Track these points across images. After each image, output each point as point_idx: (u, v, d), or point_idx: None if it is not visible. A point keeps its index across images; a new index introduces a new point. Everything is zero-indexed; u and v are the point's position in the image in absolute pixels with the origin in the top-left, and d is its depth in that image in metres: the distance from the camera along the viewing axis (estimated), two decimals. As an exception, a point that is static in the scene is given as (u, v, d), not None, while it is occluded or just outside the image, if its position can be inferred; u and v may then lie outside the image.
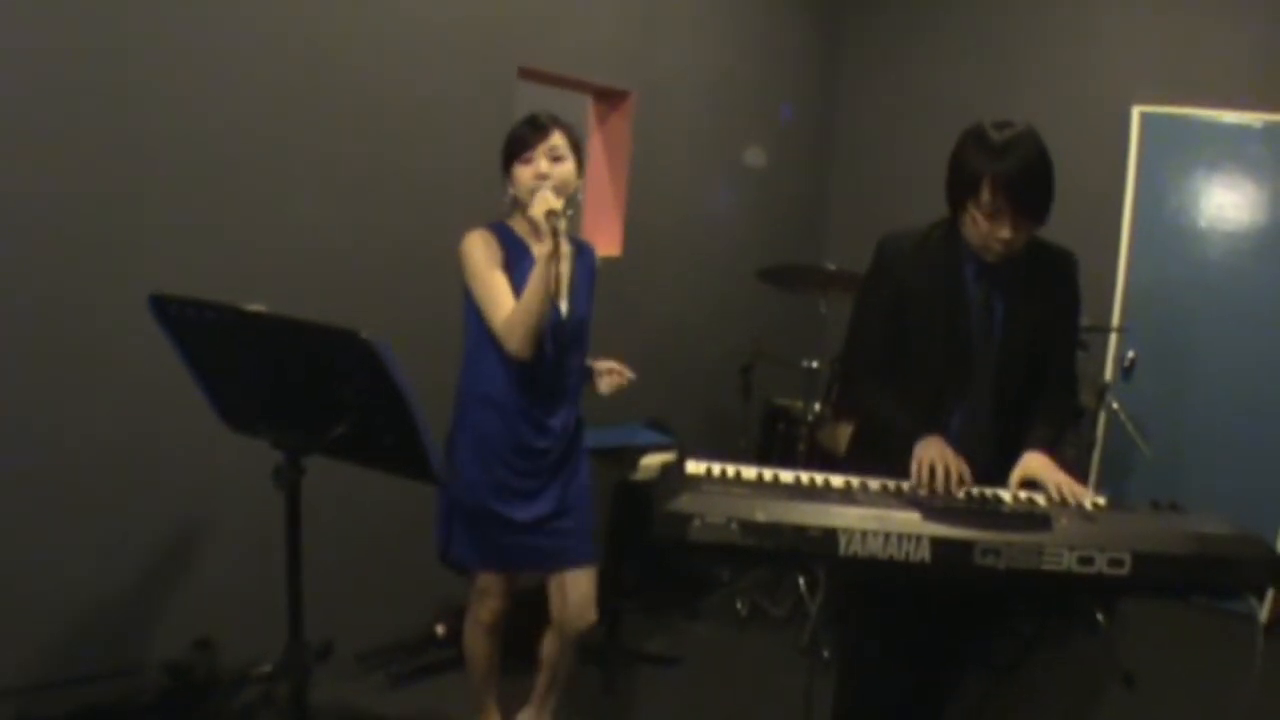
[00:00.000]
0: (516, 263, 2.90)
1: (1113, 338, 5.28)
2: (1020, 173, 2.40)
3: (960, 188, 2.50)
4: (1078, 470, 4.79)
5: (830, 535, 2.17)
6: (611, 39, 4.69)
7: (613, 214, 4.93)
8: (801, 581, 4.61)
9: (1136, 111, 5.29)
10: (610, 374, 3.08)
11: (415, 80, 3.84)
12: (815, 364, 4.69)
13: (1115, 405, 4.76)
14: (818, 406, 4.73)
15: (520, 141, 2.87)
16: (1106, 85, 5.38)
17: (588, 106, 4.93)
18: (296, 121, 3.50)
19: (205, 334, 2.29)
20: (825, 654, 4.13)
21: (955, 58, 5.83)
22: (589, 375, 3.10)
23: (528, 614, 3.25)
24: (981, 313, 2.63)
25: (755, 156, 5.41)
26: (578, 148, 2.94)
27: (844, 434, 4.45)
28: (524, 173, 2.86)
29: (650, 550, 3.22)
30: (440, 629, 4.02)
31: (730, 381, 4.91)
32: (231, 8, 3.30)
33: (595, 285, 3.11)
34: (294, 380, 2.26)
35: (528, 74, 4.23)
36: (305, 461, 2.27)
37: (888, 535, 2.17)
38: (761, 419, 5.10)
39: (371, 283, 3.74)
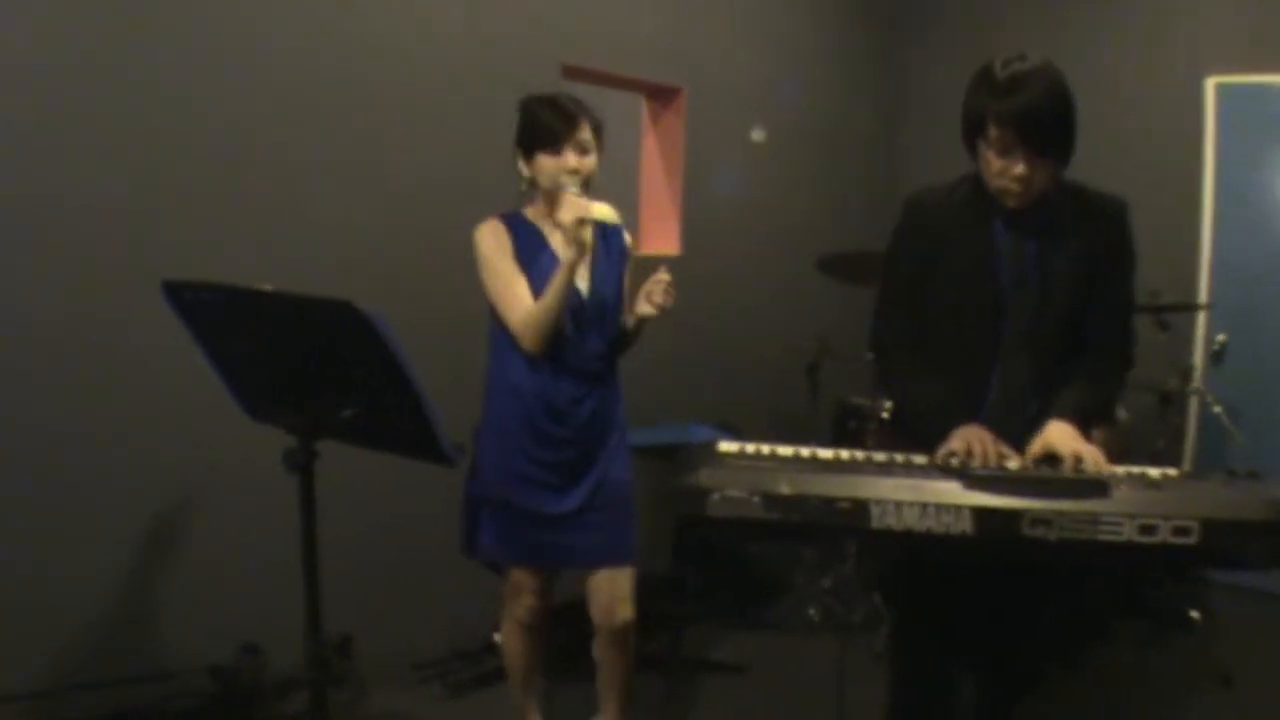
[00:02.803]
0: (532, 255, 2.84)
1: (1200, 317, 5.03)
2: (1026, 105, 2.20)
3: (969, 128, 2.33)
4: (1169, 456, 4.53)
5: (861, 507, 2.01)
6: (659, 34, 4.62)
7: (670, 213, 4.84)
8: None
9: (1211, 83, 5.06)
10: (649, 294, 2.83)
11: (454, 80, 3.81)
12: (882, 357, 4.51)
13: (1202, 389, 4.49)
14: (889, 403, 4.55)
15: (549, 133, 2.79)
16: (1177, 58, 5.17)
17: (640, 105, 4.85)
18: (333, 121, 3.50)
19: (217, 318, 2.26)
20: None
21: (1023, 32, 5.60)
22: (629, 326, 2.97)
23: (578, 618, 3.15)
24: (1012, 264, 2.40)
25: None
26: (600, 131, 2.86)
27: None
28: (549, 164, 2.80)
29: (714, 555, 3.10)
30: (498, 637, 3.92)
31: (797, 380, 4.76)
32: (271, 4, 3.30)
33: (626, 267, 3.00)
34: (302, 361, 2.21)
35: (572, 72, 4.16)
36: (319, 446, 2.22)
37: (925, 506, 2.01)
38: (832, 418, 4.93)
39: (410, 282, 3.69)
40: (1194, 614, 4.31)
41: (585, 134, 2.80)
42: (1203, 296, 5.04)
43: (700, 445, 2.26)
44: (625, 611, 3.00)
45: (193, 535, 3.24)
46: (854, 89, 5.99)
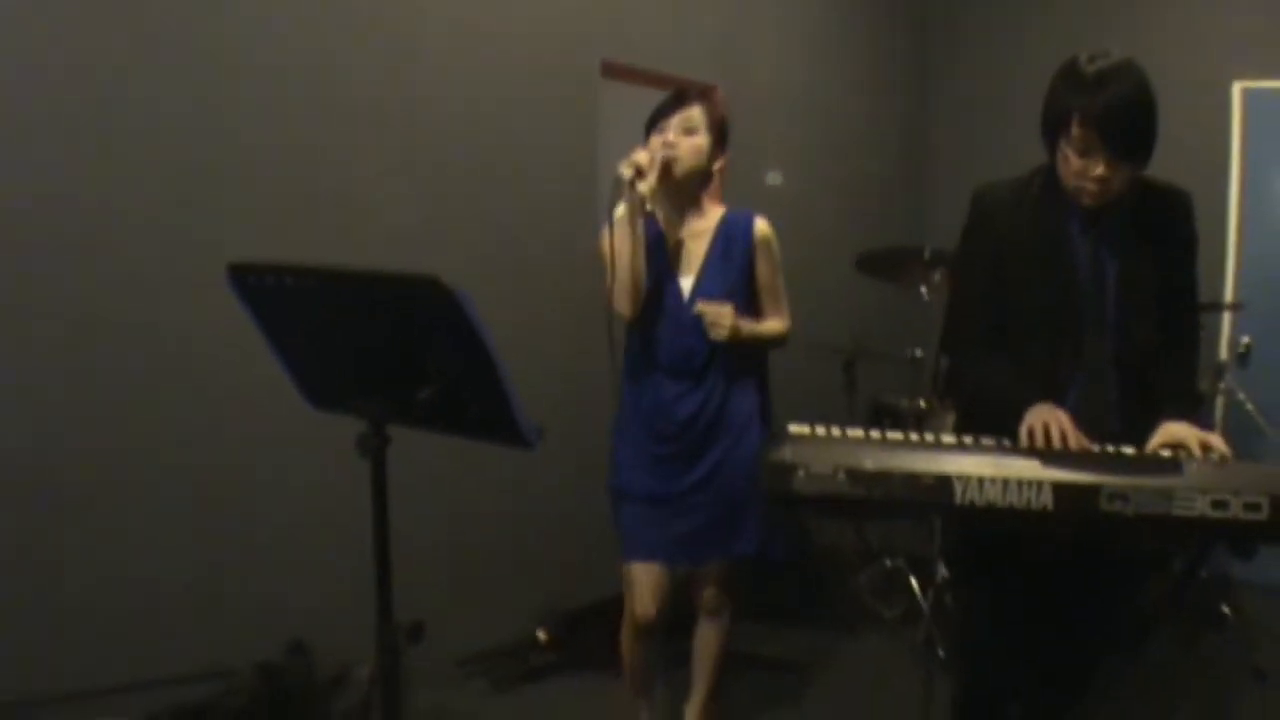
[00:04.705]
0: (649, 253, 2.81)
1: (1226, 317, 5.07)
2: (1112, 107, 2.19)
3: (1051, 124, 2.32)
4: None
5: (945, 482, 2.03)
6: (695, 33, 4.64)
7: (704, 212, 4.84)
8: (914, 580, 4.41)
9: (1238, 87, 5.11)
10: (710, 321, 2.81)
11: (493, 77, 3.82)
12: (919, 353, 4.51)
13: (1233, 387, 4.50)
14: (923, 402, 4.54)
15: (658, 112, 2.82)
16: (1205, 63, 5.19)
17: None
18: (374, 122, 3.50)
19: (285, 303, 2.23)
20: (940, 653, 3.94)
21: (1051, 33, 5.62)
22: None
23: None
24: (1090, 270, 2.40)
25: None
26: (719, 125, 2.84)
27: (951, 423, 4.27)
28: (654, 141, 2.79)
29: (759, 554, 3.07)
30: (542, 634, 3.93)
31: (833, 378, 4.76)
32: (314, 7, 3.31)
33: (751, 258, 2.91)
34: (376, 343, 2.19)
35: (610, 69, 4.17)
36: (391, 432, 2.19)
37: (1006, 481, 2.03)
38: (868, 417, 4.92)
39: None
40: (1226, 611, 4.33)
41: (695, 114, 2.79)
42: (1229, 297, 5.08)
43: (773, 429, 2.27)
44: (718, 599, 3.05)
45: (238, 533, 3.23)
46: (885, 88, 6.04)
